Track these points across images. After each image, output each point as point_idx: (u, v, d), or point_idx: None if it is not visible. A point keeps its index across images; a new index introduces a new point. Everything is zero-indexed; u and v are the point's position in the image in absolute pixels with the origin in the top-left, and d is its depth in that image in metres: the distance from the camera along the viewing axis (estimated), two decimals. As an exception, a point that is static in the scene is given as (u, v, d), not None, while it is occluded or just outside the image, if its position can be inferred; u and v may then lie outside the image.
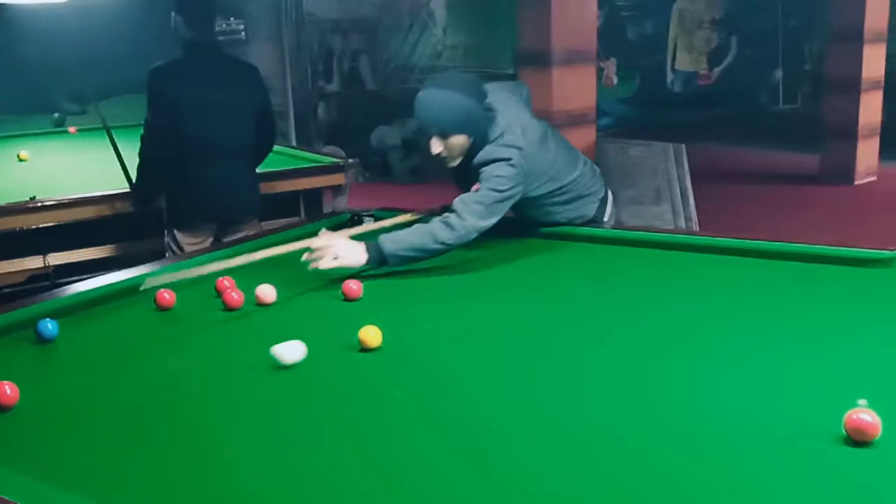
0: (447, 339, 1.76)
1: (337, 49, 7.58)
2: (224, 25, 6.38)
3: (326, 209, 3.55)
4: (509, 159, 2.24)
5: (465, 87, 2.25)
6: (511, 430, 1.33)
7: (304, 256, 2.12)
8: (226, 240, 2.95)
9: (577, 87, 4.75)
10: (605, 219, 2.56)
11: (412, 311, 1.93)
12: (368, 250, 2.16)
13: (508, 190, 2.25)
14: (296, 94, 6.88)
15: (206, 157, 2.99)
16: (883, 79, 6.52)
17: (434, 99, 2.25)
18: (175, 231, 3.06)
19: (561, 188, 2.41)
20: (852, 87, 6.41)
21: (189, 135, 2.94)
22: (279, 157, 3.65)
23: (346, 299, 1.97)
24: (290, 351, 1.59)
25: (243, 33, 6.66)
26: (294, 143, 6.01)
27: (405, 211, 2.56)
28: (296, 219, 3.38)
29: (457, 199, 2.25)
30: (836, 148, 6.56)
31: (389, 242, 2.17)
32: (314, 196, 3.56)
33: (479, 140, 2.27)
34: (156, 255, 2.98)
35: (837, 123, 6.50)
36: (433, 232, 2.20)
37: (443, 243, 2.20)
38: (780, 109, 8.95)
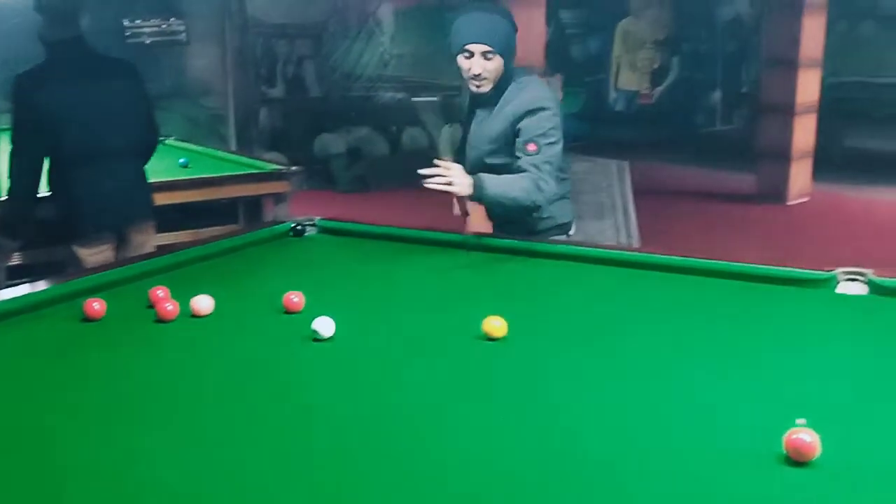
0: (387, 358, 1.70)
1: (281, 54, 7.47)
2: (164, 26, 6.22)
3: (267, 217, 3.47)
4: (548, 109, 2.35)
5: (507, 15, 2.39)
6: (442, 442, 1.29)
7: (428, 171, 2.26)
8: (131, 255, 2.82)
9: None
10: (572, 232, 2.60)
11: (356, 325, 1.87)
12: (474, 187, 2.28)
13: (559, 141, 2.37)
14: (237, 98, 6.74)
15: (89, 163, 2.84)
16: (817, 103, 6.73)
17: (483, 18, 2.35)
18: (72, 246, 2.90)
19: (563, 180, 2.48)
20: (786, 110, 6.61)
21: (67, 141, 2.79)
22: (218, 163, 3.56)
23: (288, 312, 1.90)
24: (325, 325, 1.71)
25: (184, 34, 6.50)
26: (234, 149, 5.88)
27: (349, 222, 2.51)
28: (234, 226, 3.29)
29: (530, 163, 2.32)
30: (770, 169, 6.75)
31: (492, 187, 2.30)
32: (254, 204, 3.47)
33: (506, 76, 2.38)
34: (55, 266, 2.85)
35: (771, 145, 6.69)
36: (528, 190, 2.31)
37: (533, 202, 2.33)
38: (718, 130, 9.18)
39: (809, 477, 1.17)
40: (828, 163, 6.93)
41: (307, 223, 2.60)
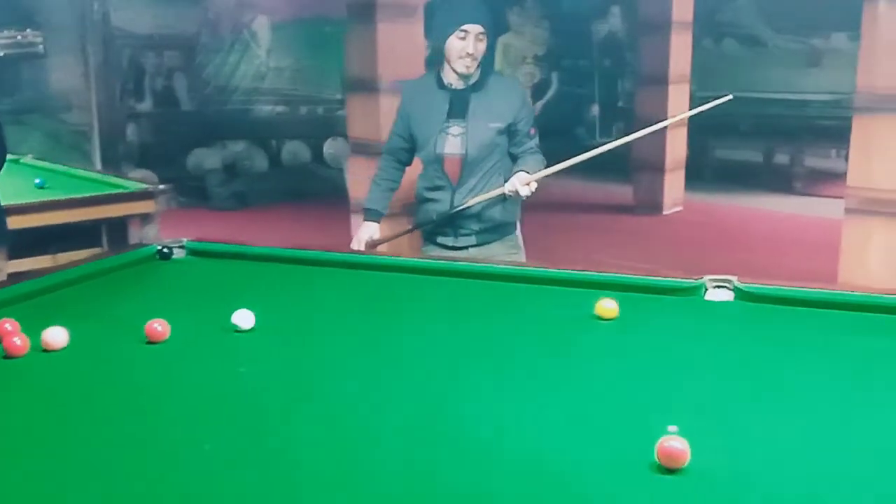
0: (254, 387, 1.58)
1: (150, 66, 7.13)
2: (19, 37, 5.81)
3: (133, 239, 3.25)
4: (526, 93, 2.76)
5: None
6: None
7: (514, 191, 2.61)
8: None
9: (405, 116, 4.71)
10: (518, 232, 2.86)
11: (224, 354, 1.74)
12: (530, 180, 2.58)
13: None
14: (102, 113, 6.37)
15: None
16: (687, 117, 7.03)
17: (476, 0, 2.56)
18: None
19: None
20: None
21: None
22: (79, 182, 3.32)
23: (150, 342, 1.75)
24: (244, 318, 1.79)
25: (41, 46, 6.09)
26: (99, 167, 5.55)
27: (220, 243, 2.38)
28: (98, 250, 3.06)
29: (535, 145, 2.68)
30: (646, 180, 7.00)
31: (535, 171, 2.60)
32: (118, 225, 3.24)
33: (485, 62, 2.59)
34: None
35: (646, 158, 6.94)
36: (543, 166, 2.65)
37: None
38: (597, 143, 9.44)
39: (681, 484, 1.16)
40: (699, 174, 7.26)
41: (174, 245, 2.43)
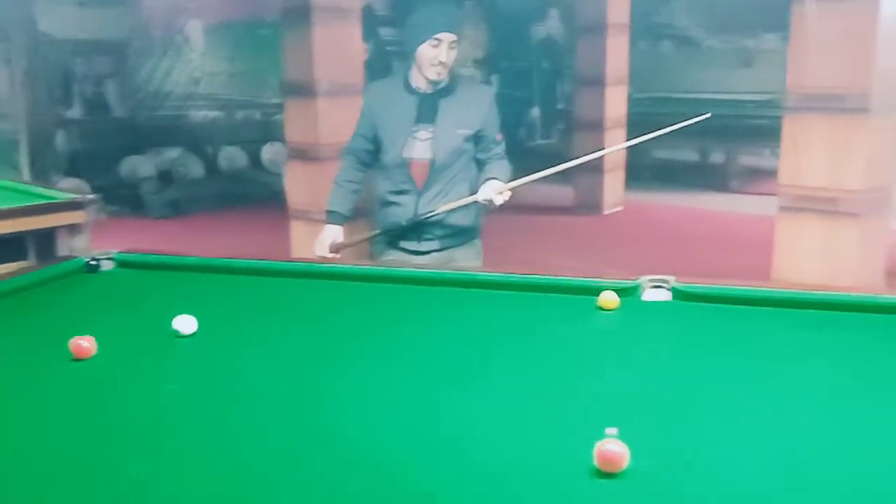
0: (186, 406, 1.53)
1: (78, 72, 6.90)
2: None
3: (62, 251, 3.13)
4: (493, 99, 2.77)
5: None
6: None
7: (488, 199, 2.60)
8: None
9: (345, 120, 4.64)
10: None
11: (154, 370, 1.68)
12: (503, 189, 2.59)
13: None
14: (30, 121, 6.14)
15: None
16: (625, 118, 7.14)
17: (450, 9, 2.59)
18: None
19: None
20: (597, 125, 6.96)
21: None
22: (4, 193, 3.18)
23: (76, 359, 1.68)
24: (186, 324, 1.77)
25: (-39, 52, 5.86)
26: (27, 177, 5.35)
27: (152, 254, 2.30)
28: (25, 263, 2.94)
29: (503, 150, 2.73)
30: (586, 181, 7.07)
31: (504, 178, 2.63)
32: (46, 237, 3.12)
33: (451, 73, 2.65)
34: None
35: (586, 158, 7.01)
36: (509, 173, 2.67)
37: None
38: (538, 144, 9.53)
39: (619, 487, 1.16)
40: (638, 174, 7.37)
41: (103, 257, 2.34)
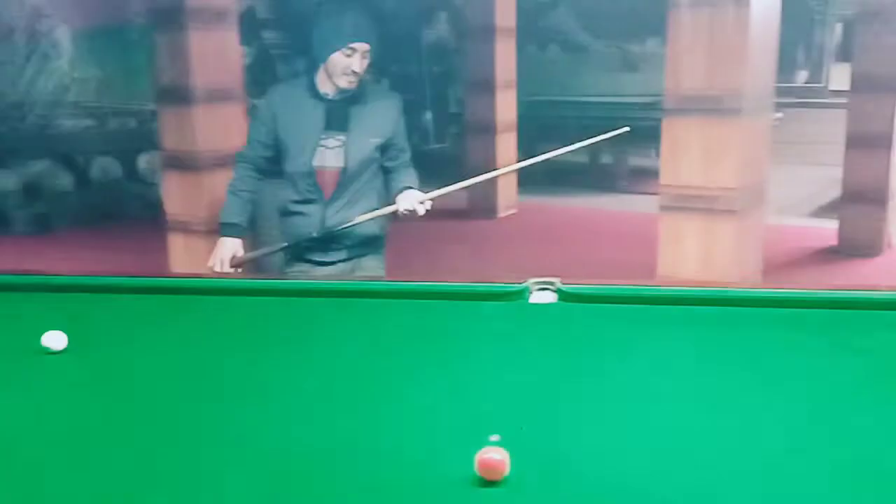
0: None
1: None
2: None
3: None
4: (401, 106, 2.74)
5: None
6: None
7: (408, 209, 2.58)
8: None
9: (224, 127, 4.48)
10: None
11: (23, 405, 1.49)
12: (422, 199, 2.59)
13: None
14: None
15: None
16: (515, 121, 7.19)
17: (365, 18, 2.50)
18: None
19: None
20: (489, 129, 6.99)
21: None
22: None
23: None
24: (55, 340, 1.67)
25: None
26: None
27: (28, 274, 2.10)
28: None
29: (409, 158, 2.73)
30: (480, 184, 7.05)
31: (414, 184, 2.64)
32: None
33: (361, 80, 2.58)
34: None
35: (479, 162, 7.01)
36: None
37: None
38: (432, 148, 9.50)
39: (501, 495, 1.13)
40: (531, 176, 7.40)
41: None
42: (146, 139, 6.45)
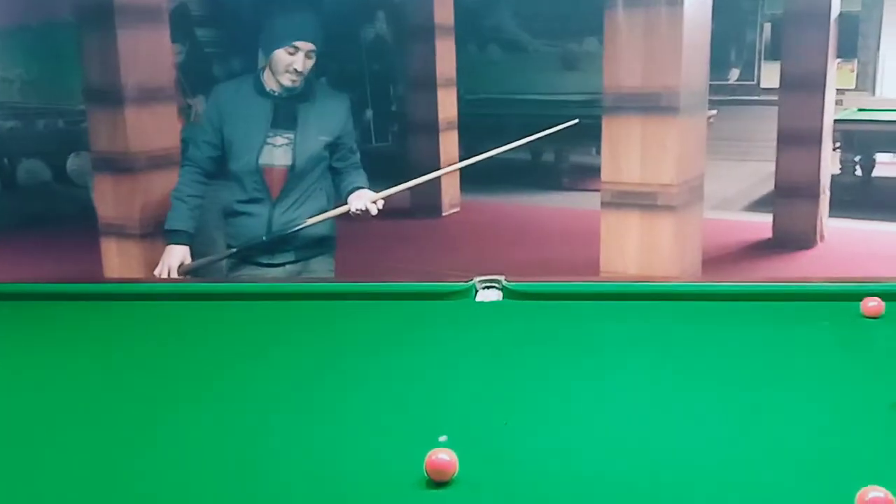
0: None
1: None
2: None
3: None
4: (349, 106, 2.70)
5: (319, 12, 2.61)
6: None
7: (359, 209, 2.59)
8: None
9: (156, 127, 4.34)
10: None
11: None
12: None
13: None
14: None
15: None
16: (456, 119, 7.18)
17: (310, 17, 2.49)
18: None
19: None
20: (431, 127, 6.97)
21: None
22: None
23: None
24: None
25: None
26: None
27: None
28: None
29: (358, 160, 2.70)
30: (424, 183, 7.02)
31: (364, 184, 2.63)
32: None
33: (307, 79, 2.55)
34: None
35: (422, 160, 6.98)
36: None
37: None
38: (373, 147, 9.43)
39: (449, 497, 1.11)
40: (473, 174, 7.39)
41: None
42: (75, 140, 6.23)
